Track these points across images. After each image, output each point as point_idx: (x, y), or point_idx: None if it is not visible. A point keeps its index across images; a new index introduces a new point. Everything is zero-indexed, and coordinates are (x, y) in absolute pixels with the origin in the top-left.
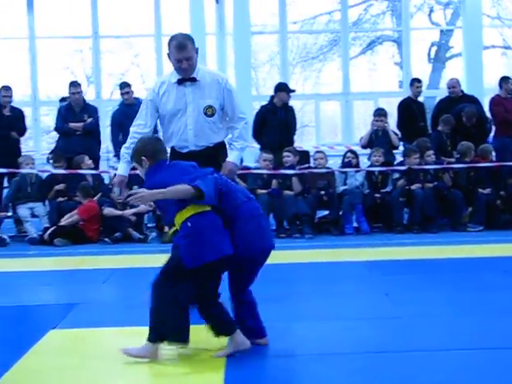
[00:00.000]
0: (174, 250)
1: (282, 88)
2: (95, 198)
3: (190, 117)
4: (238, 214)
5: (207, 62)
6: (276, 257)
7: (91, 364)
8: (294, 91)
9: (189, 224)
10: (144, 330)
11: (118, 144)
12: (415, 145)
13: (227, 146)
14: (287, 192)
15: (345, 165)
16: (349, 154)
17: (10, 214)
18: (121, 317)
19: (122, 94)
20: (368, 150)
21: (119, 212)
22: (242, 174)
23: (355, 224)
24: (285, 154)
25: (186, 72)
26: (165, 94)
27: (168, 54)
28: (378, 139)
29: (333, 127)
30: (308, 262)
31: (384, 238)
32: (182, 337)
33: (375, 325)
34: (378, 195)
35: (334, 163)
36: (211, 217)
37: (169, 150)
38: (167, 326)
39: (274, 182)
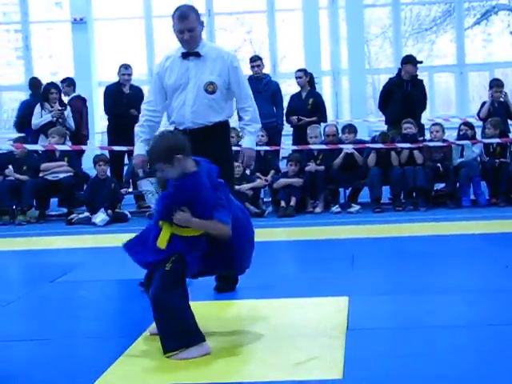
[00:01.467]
0: (164, 259)
1: (409, 60)
2: None
3: (189, 92)
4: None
5: (320, 35)
6: (393, 230)
7: (210, 335)
8: (421, 62)
9: (203, 239)
10: (262, 303)
11: None
12: None
13: (240, 130)
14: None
15: (460, 137)
16: (463, 127)
17: (130, 189)
18: (239, 289)
19: (252, 67)
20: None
21: (236, 187)
22: (359, 148)
23: (472, 196)
24: (406, 125)
25: (188, 44)
26: (169, 68)
27: (173, 27)
28: (495, 110)
29: (447, 100)
30: (425, 235)
31: (502, 210)
32: (200, 335)
33: (496, 297)
34: (497, 161)
35: (449, 136)
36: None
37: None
38: (185, 332)
39: (394, 156)
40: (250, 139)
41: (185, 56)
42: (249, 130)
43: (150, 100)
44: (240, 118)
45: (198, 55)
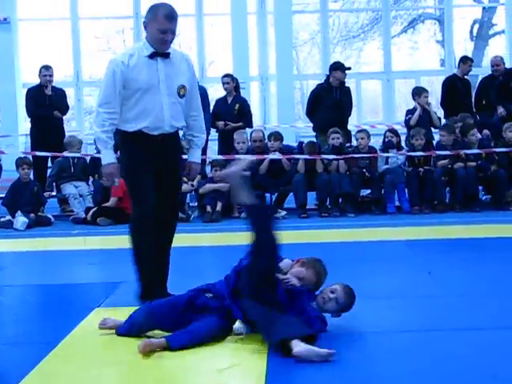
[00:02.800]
0: None
1: (338, 67)
2: None
3: (164, 95)
4: None
5: (248, 41)
6: (318, 236)
7: (136, 342)
8: (349, 69)
9: None
10: None
11: None
12: (458, 119)
13: (186, 141)
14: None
15: (386, 144)
16: (389, 134)
17: (54, 193)
18: None
19: None
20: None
21: None
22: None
23: (397, 203)
24: (332, 135)
25: (166, 45)
26: (136, 68)
27: (145, 22)
28: (421, 118)
29: (374, 106)
30: (350, 241)
31: (426, 216)
32: None
33: (418, 303)
34: (421, 169)
35: (376, 142)
36: None
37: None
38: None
39: (319, 164)
40: (197, 152)
41: (152, 56)
42: (196, 142)
43: (110, 101)
44: (187, 128)
45: (166, 56)
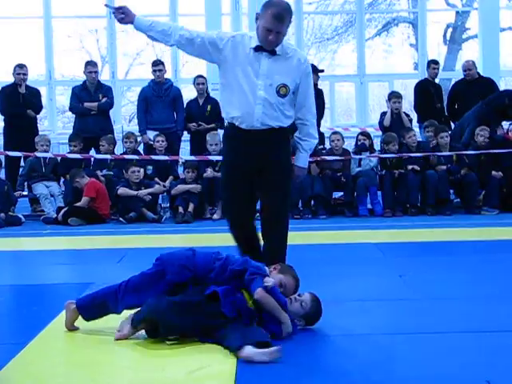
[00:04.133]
0: None
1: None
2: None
3: (261, 90)
4: None
5: None
6: (290, 238)
7: (106, 343)
8: (322, 71)
9: None
10: None
11: (143, 121)
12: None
13: (294, 144)
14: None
15: (358, 147)
16: (361, 137)
17: (25, 193)
18: None
19: (153, 72)
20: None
21: (134, 192)
22: None
23: (369, 206)
24: None
25: (269, 45)
26: (239, 55)
27: (257, 15)
28: (393, 121)
29: (348, 109)
30: (322, 243)
31: (398, 220)
32: None
33: (389, 306)
34: (395, 172)
35: (349, 145)
36: None
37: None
38: None
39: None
40: (303, 157)
41: (257, 49)
42: (303, 146)
43: (199, 34)
44: (298, 130)
45: (273, 53)
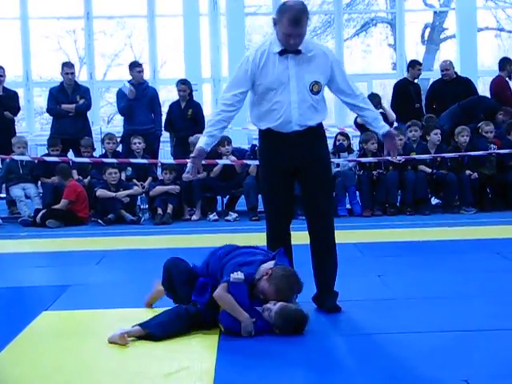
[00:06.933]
0: None
1: None
2: (86, 180)
3: (293, 93)
4: None
5: (201, 42)
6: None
7: (84, 345)
8: None
9: None
10: (136, 312)
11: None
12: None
13: (364, 122)
14: None
15: (337, 147)
16: (340, 137)
17: (2, 195)
18: (113, 298)
19: (132, 73)
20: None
21: (112, 193)
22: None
23: (348, 206)
24: None
25: (293, 48)
26: (265, 66)
27: (274, 20)
28: None
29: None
30: (300, 243)
31: (377, 219)
32: None
33: (368, 306)
34: (374, 172)
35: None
36: None
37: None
38: None
39: None
40: (382, 123)
41: (282, 53)
42: (372, 116)
43: (229, 98)
44: (360, 109)
45: (298, 52)
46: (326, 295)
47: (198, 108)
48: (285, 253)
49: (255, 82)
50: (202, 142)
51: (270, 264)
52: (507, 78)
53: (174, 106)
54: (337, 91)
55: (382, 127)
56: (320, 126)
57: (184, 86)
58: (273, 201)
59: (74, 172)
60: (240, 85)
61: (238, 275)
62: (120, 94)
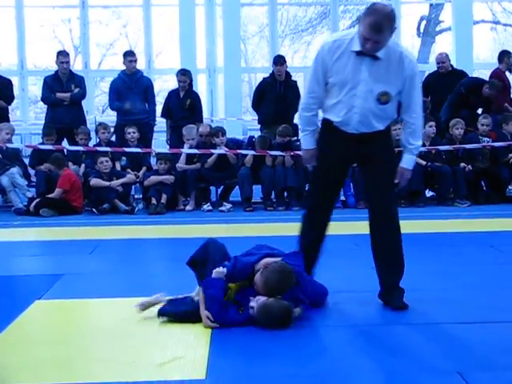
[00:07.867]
0: None
1: (275, 61)
2: (81, 169)
3: (359, 98)
4: None
5: (196, 32)
6: (263, 229)
7: (76, 335)
8: (284, 62)
9: None
10: (130, 301)
11: (116, 111)
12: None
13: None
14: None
15: None
16: None
17: None
18: (107, 288)
19: (125, 63)
20: None
21: (106, 183)
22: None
23: (342, 197)
24: (280, 131)
25: (367, 52)
26: (339, 60)
27: (358, 18)
28: None
29: None
30: (295, 235)
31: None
32: None
33: (362, 298)
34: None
35: None
36: None
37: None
38: None
39: (268, 157)
40: (409, 159)
41: (359, 53)
42: (410, 148)
43: (314, 90)
44: (405, 130)
45: (375, 57)
46: (392, 293)
47: (196, 98)
48: (299, 254)
49: (326, 74)
50: (306, 142)
51: (275, 259)
52: (506, 71)
53: (172, 95)
54: (399, 101)
55: (404, 158)
56: (380, 131)
57: (184, 76)
58: (321, 188)
59: (70, 164)
60: (317, 77)
61: (220, 269)
62: (113, 90)
